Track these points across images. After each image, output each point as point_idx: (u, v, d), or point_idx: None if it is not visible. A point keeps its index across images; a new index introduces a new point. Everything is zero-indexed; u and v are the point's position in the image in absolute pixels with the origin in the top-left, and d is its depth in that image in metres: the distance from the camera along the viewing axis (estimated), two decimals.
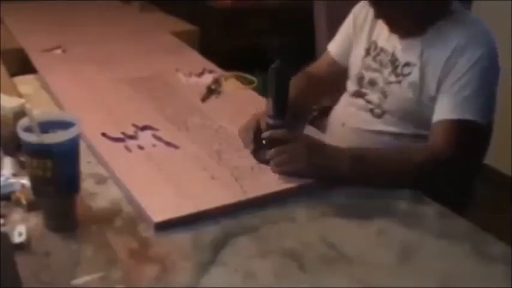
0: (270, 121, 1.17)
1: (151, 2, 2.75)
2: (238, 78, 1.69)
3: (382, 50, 1.34)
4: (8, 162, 1.13)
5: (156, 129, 1.32)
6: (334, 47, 1.51)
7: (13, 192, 1.04)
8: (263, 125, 1.20)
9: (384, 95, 1.32)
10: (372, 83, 1.36)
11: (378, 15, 1.30)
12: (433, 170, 1.16)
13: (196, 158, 1.20)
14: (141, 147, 1.23)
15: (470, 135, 1.19)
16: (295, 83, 1.24)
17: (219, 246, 0.94)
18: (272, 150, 1.14)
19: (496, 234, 0.99)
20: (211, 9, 3.24)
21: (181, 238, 0.96)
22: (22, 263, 0.86)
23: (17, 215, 1.00)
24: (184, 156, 1.21)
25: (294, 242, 0.96)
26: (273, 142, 1.15)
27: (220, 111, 1.43)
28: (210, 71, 1.72)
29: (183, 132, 1.32)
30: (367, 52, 1.38)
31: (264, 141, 1.18)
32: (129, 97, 1.53)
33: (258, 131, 1.21)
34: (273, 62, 1.15)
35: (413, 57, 1.26)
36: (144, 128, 1.32)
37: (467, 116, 1.18)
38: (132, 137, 1.27)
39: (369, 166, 1.14)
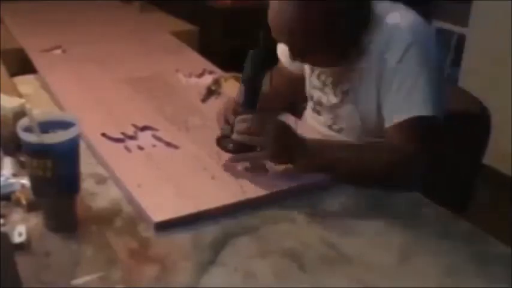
0: (241, 109, 1.14)
1: (151, 2, 2.76)
2: (237, 79, 1.69)
3: (322, 70, 1.30)
4: (8, 162, 1.13)
5: (156, 130, 1.32)
6: (282, 55, 1.41)
7: (13, 192, 1.04)
8: (230, 116, 1.18)
9: (334, 115, 1.30)
10: (320, 103, 1.34)
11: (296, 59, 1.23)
12: (397, 172, 1.11)
13: (196, 158, 1.20)
14: (141, 148, 1.23)
15: (426, 131, 1.12)
16: (271, 79, 1.21)
17: (219, 246, 0.94)
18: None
19: (496, 235, 0.99)
20: (211, 9, 3.24)
21: (181, 238, 0.96)
22: (22, 263, 0.86)
23: (17, 215, 1.00)
24: (184, 156, 1.21)
25: (294, 242, 0.96)
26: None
27: None
28: (210, 72, 1.72)
29: (183, 132, 1.32)
30: (312, 70, 1.34)
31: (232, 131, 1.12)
32: (129, 97, 1.53)
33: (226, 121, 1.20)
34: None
35: (347, 84, 1.23)
36: (144, 128, 1.32)
37: (415, 113, 1.11)
38: (132, 137, 1.27)
39: (328, 159, 1.11)
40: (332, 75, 1.28)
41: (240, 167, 1.15)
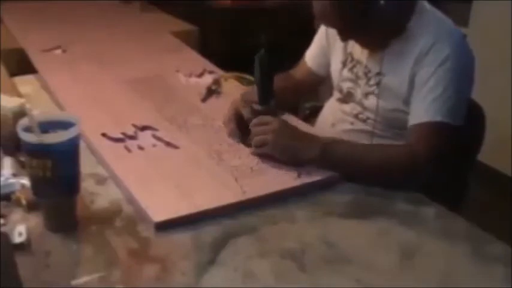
0: (257, 107, 1.24)
1: (151, 2, 2.76)
2: (237, 78, 1.69)
3: (358, 61, 1.36)
4: (8, 162, 1.13)
5: (156, 130, 1.32)
6: (309, 57, 1.55)
7: (13, 192, 1.04)
8: (245, 113, 1.27)
9: (363, 106, 1.35)
10: (350, 95, 1.39)
11: (343, 40, 1.34)
12: (406, 172, 1.16)
13: (196, 158, 1.20)
14: (141, 148, 1.23)
15: (442, 137, 1.19)
16: (277, 83, 1.26)
17: (219, 246, 0.94)
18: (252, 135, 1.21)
19: (495, 234, 0.99)
20: (211, 9, 3.24)
21: (181, 238, 0.96)
22: (22, 263, 0.86)
23: (17, 215, 1.00)
24: (184, 156, 1.21)
25: (294, 242, 0.96)
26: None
27: (220, 111, 1.42)
28: (210, 72, 1.72)
29: (183, 132, 1.32)
30: (344, 64, 1.40)
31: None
32: (129, 97, 1.53)
33: (240, 119, 1.28)
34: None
35: (383, 67, 1.28)
36: (144, 128, 1.32)
37: (438, 118, 1.18)
38: (132, 137, 1.27)
39: (339, 157, 1.16)
40: (366, 66, 1.33)
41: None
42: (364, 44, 1.33)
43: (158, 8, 2.71)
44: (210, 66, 1.79)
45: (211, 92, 1.56)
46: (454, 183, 1.38)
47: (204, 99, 1.52)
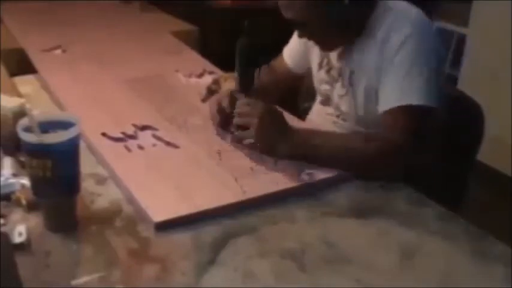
0: (236, 94, 1.26)
1: (151, 2, 2.76)
2: None
3: (333, 64, 1.36)
4: (8, 162, 1.13)
5: (156, 129, 1.32)
6: (287, 55, 1.55)
7: (13, 192, 1.04)
8: (224, 101, 1.28)
9: (339, 109, 1.36)
10: (328, 97, 1.40)
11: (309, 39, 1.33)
12: (386, 160, 1.14)
13: (196, 158, 1.20)
14: (141, 147, 1.23)
15: (414, 120, 1.15)
16: (262, 77, 1.28)
17: (219, 246, 0.94)
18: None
19: (495, 234, 0.99)
20: (211, 9, 3.24)
21: (181, 238, 0.96)
22: (22, 263, 0.86)
23: (17, 215, 1.00)
24: (184, 156, 1.21)
25: (294, 242, 0.96)
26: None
27: None
28: (210, 72, 1.72)
29: (183, 132, 1.32)
30: (320, 66, 1.40)
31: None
32: (129, 97, 1.53)
33: (223, 111, 1.29)
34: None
35: (353, 66, 1.29)
36: (144, 128, 1.32)
37: (407, 102, 1.15)
38: (132, 137, 1.27)
39: (313, 146, 1.15)
40: (339, 68, 1.33)
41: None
42: (327, 46, 1.32)
43: (158, 8, 2.71)
44: (210, 66, 1.79)
45: (211, 92, 1.56)
46: (454, 183, 1.38)
47: (204, 99, 1.52)
